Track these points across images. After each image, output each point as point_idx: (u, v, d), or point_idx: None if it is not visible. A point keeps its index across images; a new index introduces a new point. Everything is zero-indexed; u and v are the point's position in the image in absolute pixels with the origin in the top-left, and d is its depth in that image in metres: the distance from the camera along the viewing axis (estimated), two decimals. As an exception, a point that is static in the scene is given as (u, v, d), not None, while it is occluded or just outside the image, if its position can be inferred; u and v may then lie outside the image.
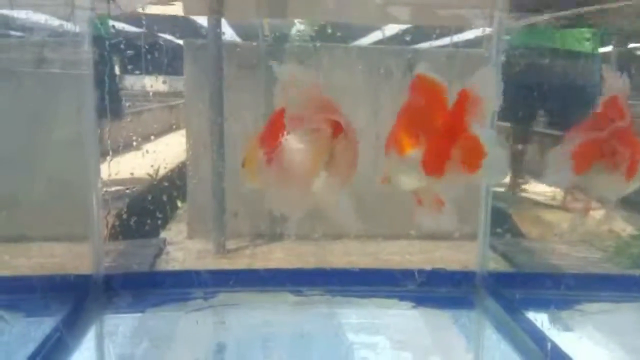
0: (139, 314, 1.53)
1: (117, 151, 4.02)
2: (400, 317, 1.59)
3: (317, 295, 1.66)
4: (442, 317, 1.59)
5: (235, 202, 3.04)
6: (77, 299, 1.50)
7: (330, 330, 1.55)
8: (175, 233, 3.13)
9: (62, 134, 2.42)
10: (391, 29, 5.28)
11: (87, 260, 1.62)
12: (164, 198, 3.33)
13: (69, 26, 2.12)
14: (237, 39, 4.48)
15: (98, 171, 1.77)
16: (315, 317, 1.61)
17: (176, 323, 1.50)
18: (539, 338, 1.44)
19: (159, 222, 3.14)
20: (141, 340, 1.39)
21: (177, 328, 1.48)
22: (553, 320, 1.57)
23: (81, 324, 1.43)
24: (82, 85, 1.76)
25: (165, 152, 4.07)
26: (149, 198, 3.31)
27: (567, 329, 1.59)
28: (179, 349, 1.36)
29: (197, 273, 1.54)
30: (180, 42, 3.68)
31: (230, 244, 2.93)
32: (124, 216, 3.09)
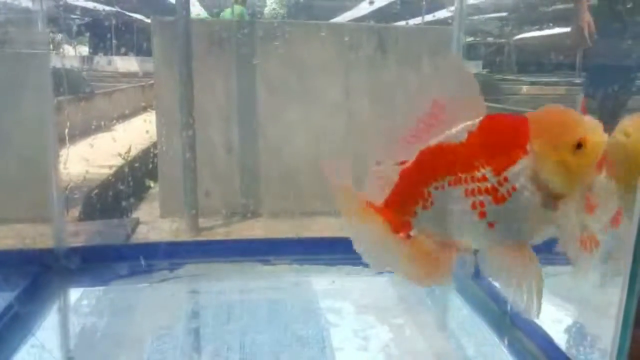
0: (103, 287, 1.53)
1: (86, 132, 3.94)
2: (367, 283, 1.62)
3: (286, 264, 1.67)
4: (407, 282, 1.62)
5: (208, 180, 3.02)
6: (39, 273, 1.48)
7: (298, 297, 1.57)
8: (147, 212, 3.11)
9: (21, 114, 2.36)
10: (364, 8, 5.27)
11: (49, 236, 1.60)
12: (136, 178, 3.30)
13: (21, 3, 2.06)
14: (206, 16, 4.41)
15: (57, 150, 1.74)
16: (284, 285, 1.63)
17: (141, 294, 1.50)
18: (500, 300, 1.49)
19: (131, 201, 3.11)
20: (105, 312, 1.39)
21: (141, 299, 1.48)
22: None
23: (44, 297, 1.42)
24: (39, 64, 1.73)
25: (135, 132, 4.01)
26: (121, 178, 3.27)
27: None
28: (144, 320, 1.36)
29: (161, 245, 1.54)
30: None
31: (204, 223, 2.91)
32: (95, 196, 3.05)
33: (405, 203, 0.74)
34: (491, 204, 0.68)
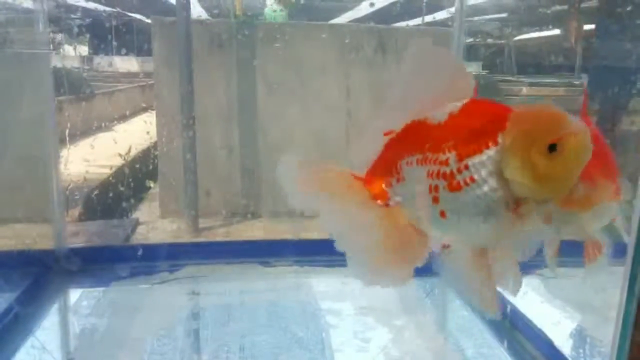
0: (103, 288, 1.52)
1: (87, 133, 3.94)
2: (366, 284, 1.61)
3: (286, 266, 1.67)
4: (407, 284, 1.62)
5: (208, 181, 3.02)
6: (39, 274, 1.48)
7: (298, 298, 1.57)
8: (147, 213, 3.10)
9: (22, 114, 2.36)
10: (365, 9, 5.26)
11: (49, 236, 1.59)
12: (136, 178, 3.30)
13: (22, 3, 2.05)
14: (207, 17, 4.41)
15: (57, 151, 1.74)
16: (284, 286, 1.63)
17: (141, 296, 1.50)
18: (500, 302, 1.49)
19: (131, 202, 3.11)
20: (105, 313, 1.39)
21: (141, 300, 1.48)
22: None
23: (44, 298, 1.42)
24: (40, 64, 1.73)
25: (135, 132, 4.01)
26: (121, 178, 3.27)
27: (527, 292, 1.64)
28: (144, 321, 1.36)
29: (161, 246, 1.53)
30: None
31: (204, 223, 2.91)
32: (96, 197, 3.05)
33: (384, 172, 0.72)
34: (445, 190, 0.64)
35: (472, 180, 0.62)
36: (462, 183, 0.62)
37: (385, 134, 0.71)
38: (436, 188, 0.65)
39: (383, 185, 0.72)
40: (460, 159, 0.63)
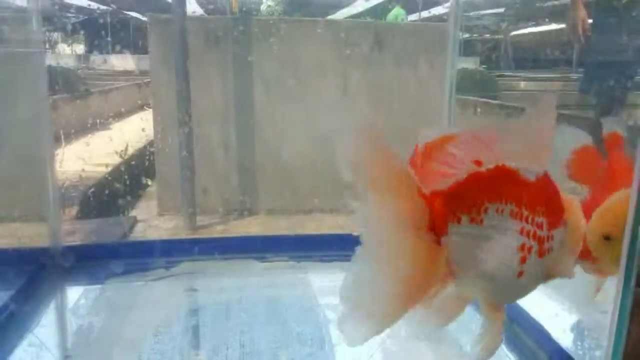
0: (99, 285, 1.52)
1: (83, 131, 3.93)
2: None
3: (283, 261, 1.67)
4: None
5: (205, 178, 3.02)
6: (35, 272, 1.48)
7: (296, 294, 1.57)
8: (145, 210, 3.10)
9: (16, 113, 2.35)
10: (361, 5, 5.25)
11: (45, 235, 1.59)
12: (133, 176, 3.29)
13: (15, 1, 2.04)
14: (202, 13, 4.40)
15: (53, 149, 1.74)
16: (281, 282, 1.63)
17: (138, 293, 1.49)
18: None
19: (129, 199, 3.11)
20: (101, 310, 1.38)
21: (138, 298, 1.47)
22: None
23: (40, 296, 1.42)
24: (35, 63, 1.72)
25: (132, 130, 4.01)
26: (118, 176, 3.27)
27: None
28: (141, 318, 1.36)
29: (157, 243, 1.53)
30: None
31: (201, 221, 2.91)
32: (92, 195, 3.05)
33: (457, 204, 0.62)
34: (535, 254, 0.65)
35: (551, 250, 0.68)
36: (546, 251, 0.68)
37: (475, 162, 0.63)
38: (529, 249, 0.65)
39: (451, 219, 0.63)
40: (549, 227, 0.68)
